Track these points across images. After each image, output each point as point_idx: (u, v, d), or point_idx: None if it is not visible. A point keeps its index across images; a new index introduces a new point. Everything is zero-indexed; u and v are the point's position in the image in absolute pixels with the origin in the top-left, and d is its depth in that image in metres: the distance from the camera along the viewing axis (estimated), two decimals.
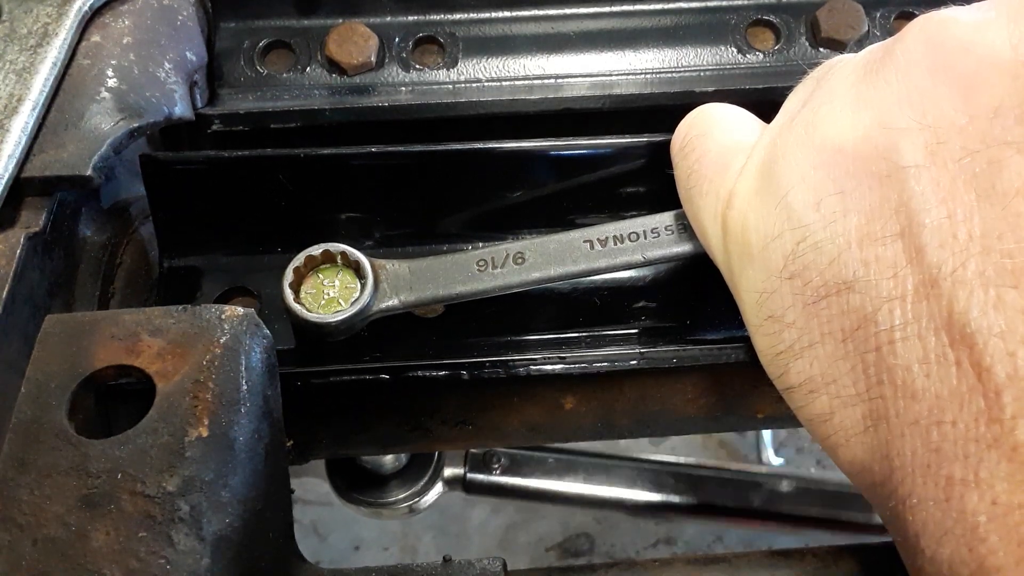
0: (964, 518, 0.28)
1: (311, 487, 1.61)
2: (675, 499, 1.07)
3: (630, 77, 0.61)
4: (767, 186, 0.38)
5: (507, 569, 0.39)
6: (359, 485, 0.98)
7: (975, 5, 0.36)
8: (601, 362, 0.47)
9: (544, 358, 0.47)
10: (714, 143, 0.44)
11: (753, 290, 0.38)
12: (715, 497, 1.09)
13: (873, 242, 0.33)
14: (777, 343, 0.37)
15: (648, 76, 0.61)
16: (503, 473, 1.07)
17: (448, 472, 1.03)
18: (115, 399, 0.38)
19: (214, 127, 0.56)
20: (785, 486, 1.08)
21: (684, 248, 0.46)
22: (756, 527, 1.17)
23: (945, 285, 0.31)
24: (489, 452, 1.06)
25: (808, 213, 0.35)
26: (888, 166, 0.34)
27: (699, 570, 0.41)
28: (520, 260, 0.46)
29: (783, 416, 0.52)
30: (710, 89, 0.58)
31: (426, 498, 1.01)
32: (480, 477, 1.06)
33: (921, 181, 0.33)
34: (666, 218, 0.47)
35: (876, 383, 0.32)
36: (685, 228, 0.46)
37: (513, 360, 0.47)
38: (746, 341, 0.45)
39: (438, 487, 1.01)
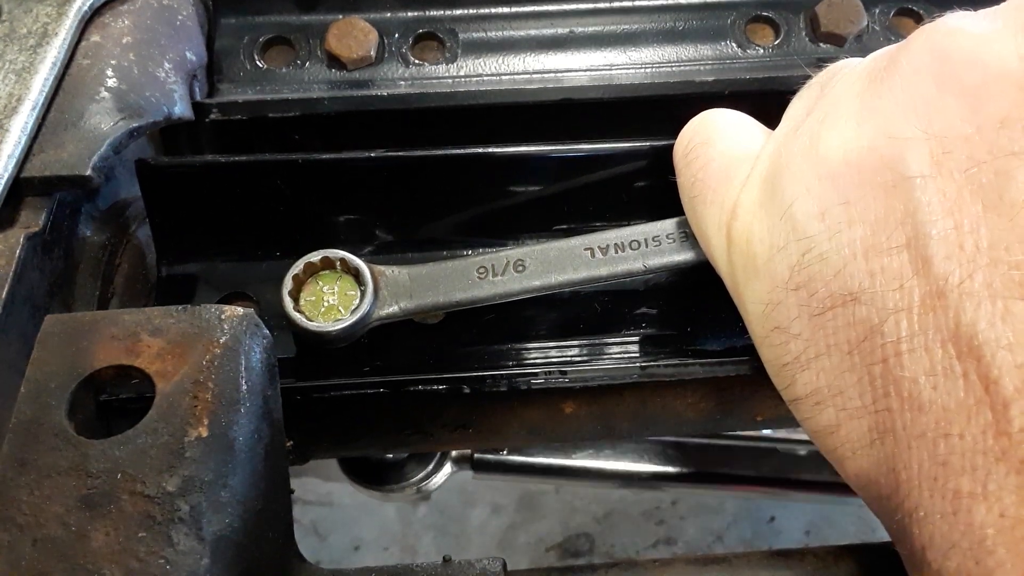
0: (971, 531, 0.28)
1: (311, 487, 1.61)
2: (684, 470, 1.06)
3: (630, 72, 0.60)
4: (772, 197, 0.38)
5: (507, 569, 0.39)
6: (369, 470, 0.98)
7: (981, 13, 0.36)
8: (602, 378, 0.47)
9: (546, 373, 0.47)
10: (718, 152, 0.43)
11: (759, 301, 0.38)
12: (726, 466, 1.07)
13: (879, 253, 0.33)
14: (783, 354, 0.36)
15: (648, 70, 0.61)
16: (510, 451, 1.06)
17: (455, 452, 1.03)
18: (114, 414, 0.38)
19: (212, 116, 0.56)
20: (800, 451, 1.06)
21: (686, 257, 0.46)
22: (768, 493, 1.15)
23: (952, 297, 0.31)
24: None
25: (813, 224, 0.35)
26: (894, 176, 0.33)
27: (699, 570, 0.41)
28: (520, 268, 0.46)
29: (781, 419, 0.52)
30: (710, 78, 0.58)
31: (436, 479, 1.01)
32: (487, 456, 1.05)
33: (927, 191, 0.32)
34: (668, 226, 0.47)
35: (883, 395, 0.32)
36: (687, 236, 0.46)
37: (514, 375, 0.46)
38: (747, 352, 0.45)
39: (447, 468, 1.01)
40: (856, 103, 0.37)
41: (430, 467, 0.99)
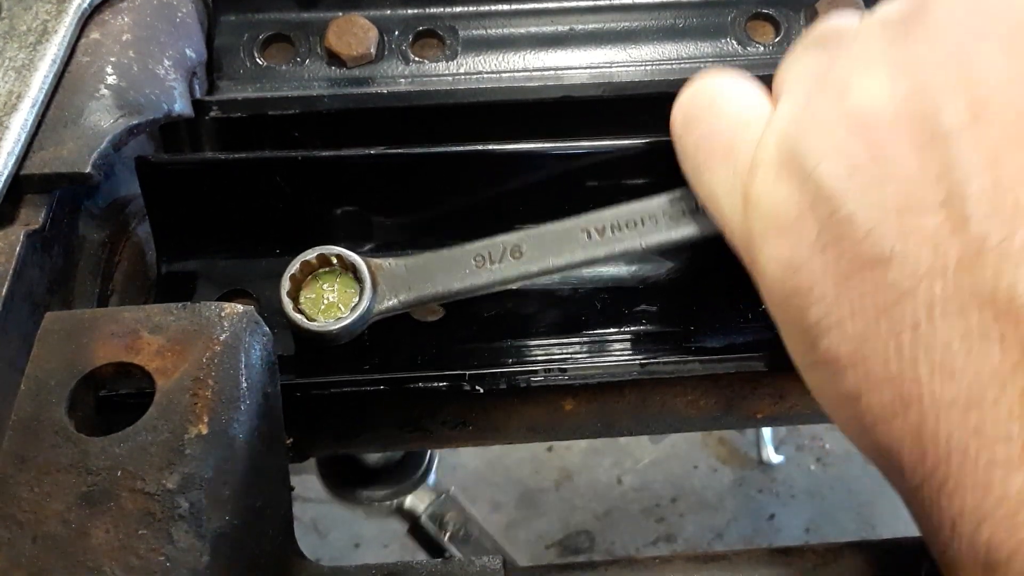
0: (1006, 501, 0.27)
1: (311, 484, 1.61)
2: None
3: (630, 69, 0.61)
4: (795, 156, 0.35)
5: (507, 567, 0.39)
6: (351, 480, 0.97)
7: None
8: (602, 375, 0.47)
9: (545, 370, 0.46)
10: (723, 113, 0.41)
11: (779, 264, 0.36)
12: None
13: (912, 212, 0.31)
14: (802, 319, 0.34)
15: (648, 68, 0.61)
16: (450, 539, 1.04)
17: (409, 501, 1.01)
18: (114, 409, 0.38)
19: (212, 113, 0.56)
20: None
21: (684, 233, 0.45)
22: None
23: (990, 257, 0.29)
24: (450, 515, 1.04)
25: (841, 183, 0.33)
26: (929, 130, 0.32)
27: (699, 568, 0.41)
28: (518, 254, 0.46)
29: (782, 416, 0.52)
30: None
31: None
32: (429, 529, 1.03)
33: (964, 146, 0.31)
34: (662, 202, 0.46)
35: (910, 363, 0.30)
36: (683, 212, 0.45)
37: (514, 372, 0.46)
38: (747, 349, 0.45)
39: (395, 504, 1.00)
40: (884, 57, 0.35)
41: (409, 483, 0.98)
